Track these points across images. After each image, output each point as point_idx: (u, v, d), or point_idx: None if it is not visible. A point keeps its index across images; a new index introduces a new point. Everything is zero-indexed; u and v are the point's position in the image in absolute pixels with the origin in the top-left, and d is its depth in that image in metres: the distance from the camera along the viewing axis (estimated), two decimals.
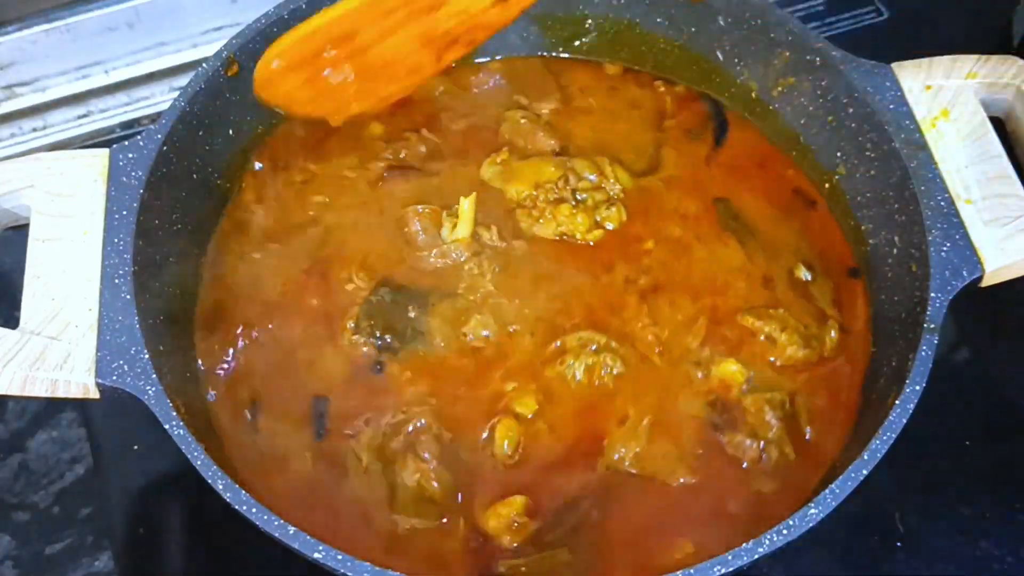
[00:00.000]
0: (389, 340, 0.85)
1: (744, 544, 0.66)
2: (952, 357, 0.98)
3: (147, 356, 0.75)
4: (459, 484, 0.79)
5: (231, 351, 0.85)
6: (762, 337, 0.85)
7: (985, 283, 0.80)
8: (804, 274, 0.90)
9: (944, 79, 0.87)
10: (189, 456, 0.70)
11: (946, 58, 0.88)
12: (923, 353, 0.75)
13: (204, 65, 0.88)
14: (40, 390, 0.75)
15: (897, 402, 0.72)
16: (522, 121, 0.98)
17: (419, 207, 0.91)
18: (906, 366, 0.75)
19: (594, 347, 0.84)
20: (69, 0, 1.10)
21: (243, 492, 0.69)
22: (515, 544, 0.76)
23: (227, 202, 0.94)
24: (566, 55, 1.05)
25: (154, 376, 0.74)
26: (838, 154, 0.92)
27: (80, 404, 0.95)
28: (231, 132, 0.93)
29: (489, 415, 0.82)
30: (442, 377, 0.84)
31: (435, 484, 0.78)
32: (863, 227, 0.90)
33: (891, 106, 0.87)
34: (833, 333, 0.86)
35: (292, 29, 0.87)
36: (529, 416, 0.82)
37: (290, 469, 0.80)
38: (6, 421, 0.96)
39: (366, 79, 0.91)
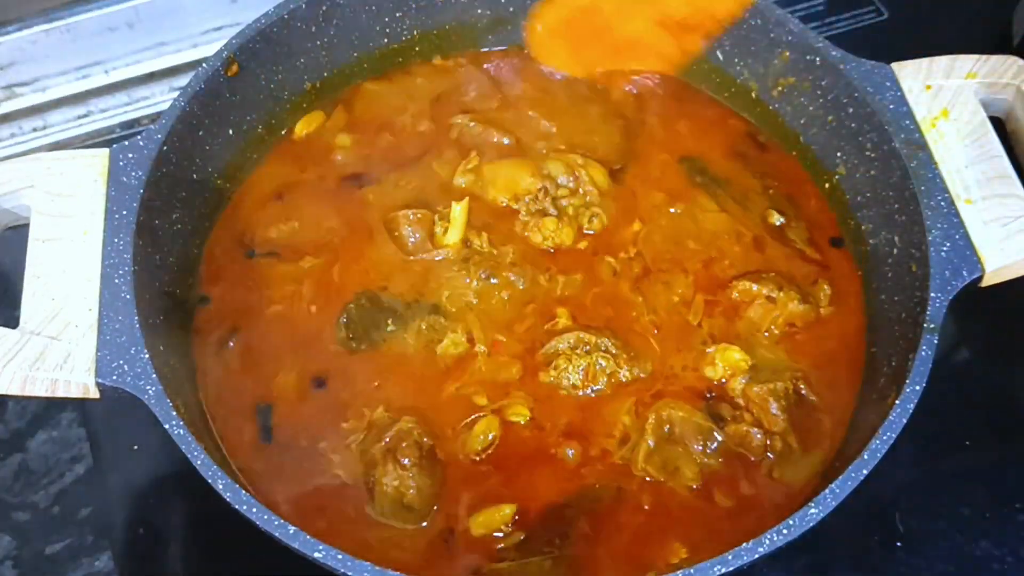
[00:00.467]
0: (364, 348, 0.85)
1: (744, 544, 0.66)
2: (952, 357, 0.98)
3: (147, 356, 0.75)
4: (440, 491, 0.79)
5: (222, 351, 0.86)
6: (758, 302, 0.86)
7: (985, 283, 0.80)
8: (777, 219, 0.92)
9: (944, 79, 0.87)
10: (189, 456, 0.70)
11: (946, 58, 0.88)
12: (923, 353, 0.75)
13: (204, 65, 0.88)
14: (40, 390, 0.75)
15: (897, 402, 0.72)
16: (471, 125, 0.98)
17: (410, 212, 0.90)
18: (906, 366, 0.75)
19: (586, 348, 0.84)
20: (69, 0, 1.10)
21: (243, 492, 0.69)
22: (500, 547, 0.76)
23: (228, 202, 0.94)
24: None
25: (154, 376, 0.74)
26: (838, 154, 0.92)
27: (80, 404, 0.95)
28: (231, 132, 0.93)
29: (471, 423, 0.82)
30: (423, 389, 0.84)
31: (412, 491, 0.77)
32: (863, 227, 0.90)
33: (891, 106, 0.87)
34: (826, 287, 0.87)
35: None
36: (522, 423, 0.81)
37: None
38: (6, 421, 0.95)
39: (615, 54, 1.01)
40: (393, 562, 0.67)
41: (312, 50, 0.97)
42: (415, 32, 1.02)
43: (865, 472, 0.69)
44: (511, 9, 1.02)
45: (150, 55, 1.17)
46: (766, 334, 0.86)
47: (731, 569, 0.65)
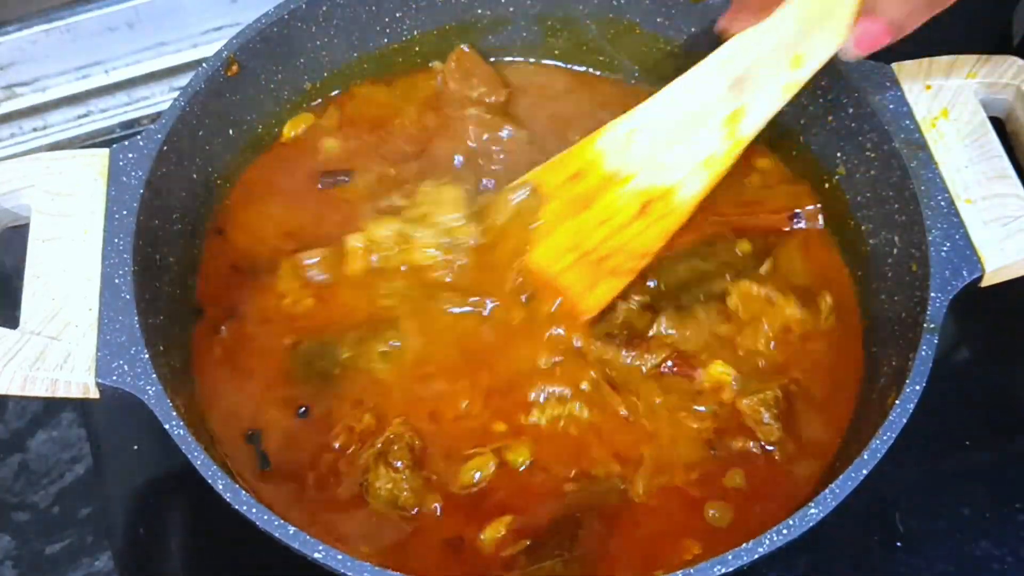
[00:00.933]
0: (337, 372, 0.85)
1: (744, 544, 0.66)
2: (952, 357, 0.98)
3: (147, 356, 0.74)
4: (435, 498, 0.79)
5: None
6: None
7: (985, 283, 0.80)
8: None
9: (944, 79, 0.87)
10: (189, 456, 0.70)
11: (946, 58, 0.88)
12: (923, 353, 0.75)
13: (204, 65, 0.88)
14: (40, 390, 0.75)
15: (897, 402, 0.72)
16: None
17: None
18: (906, 366, 0.75)
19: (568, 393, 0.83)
20: (69, 0, 1.10)
21: (243, 492, 0.69)
22: (509, 554, 0.76)
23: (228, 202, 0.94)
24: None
25: (154, 376, 0.74)
26: (838, 154, 0.92)
27: (80, 404, 0.95)
28: (231, 132, 0.93)
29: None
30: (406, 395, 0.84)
31: (406, 493, 0.77)
32: (863, 227, 0.90)
33: (891, 106, 0.87)
34: (828, 299, 0.86)
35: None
36: (521, 468, 0.80)
37: None
38: (6, 421, 0.96)
39: None
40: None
41: (312, 50, 0.97)
42: (415, 32, 1.02)
43: (865, 472, 0.69)
44: (511, 9, 1.02)
45: (150, 55, 1.16)
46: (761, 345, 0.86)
47: (731, 569, 0.65)
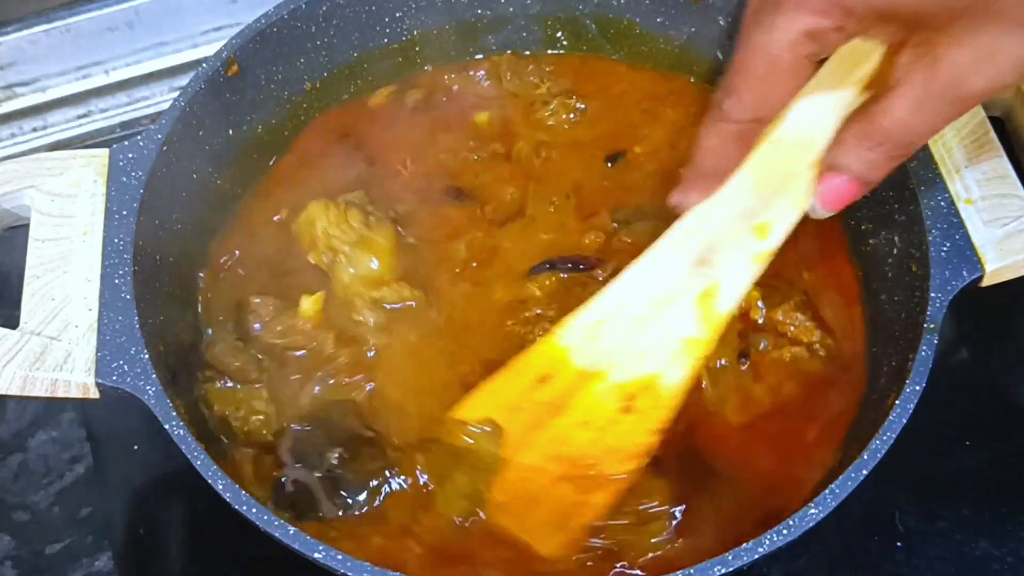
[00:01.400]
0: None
1: (744, 544, 0.66)
2: (952, 357, 0.98)
3: (147, 356, 0.74)
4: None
5: None
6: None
7: (985, 283, 0.80)
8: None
9: None
10: (189, 456, 0.70)
11: None
12: (923, 353, 0.74)
13: (204, 65, 0.88)
14: (40, 390, 0.74)
15: (897, 402, 0.72)
16: None
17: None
18: (906, 366, 0.75)
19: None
20: (69, 0, 1.10)
21: (243, 492, 0.69)
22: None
23: (228, 202, 0.94)
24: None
25: (154, 376, 0.74)
26: None
27: (80, 404, 0.95)
28: (231, 132, 0.93)
29: None
30: None
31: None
32: (863, 227, 0.90)
33: None
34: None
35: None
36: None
37: None
38: (6, 421, 0.96)
39: None
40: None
41: (312, 50, 0.97)
42: (415, 32, 1.02)
43: (865, 472, 0.69)
44: (511, 9, 1.02)
45: (150, 55, 1.17)
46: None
47: (731, 569, 0.65)
